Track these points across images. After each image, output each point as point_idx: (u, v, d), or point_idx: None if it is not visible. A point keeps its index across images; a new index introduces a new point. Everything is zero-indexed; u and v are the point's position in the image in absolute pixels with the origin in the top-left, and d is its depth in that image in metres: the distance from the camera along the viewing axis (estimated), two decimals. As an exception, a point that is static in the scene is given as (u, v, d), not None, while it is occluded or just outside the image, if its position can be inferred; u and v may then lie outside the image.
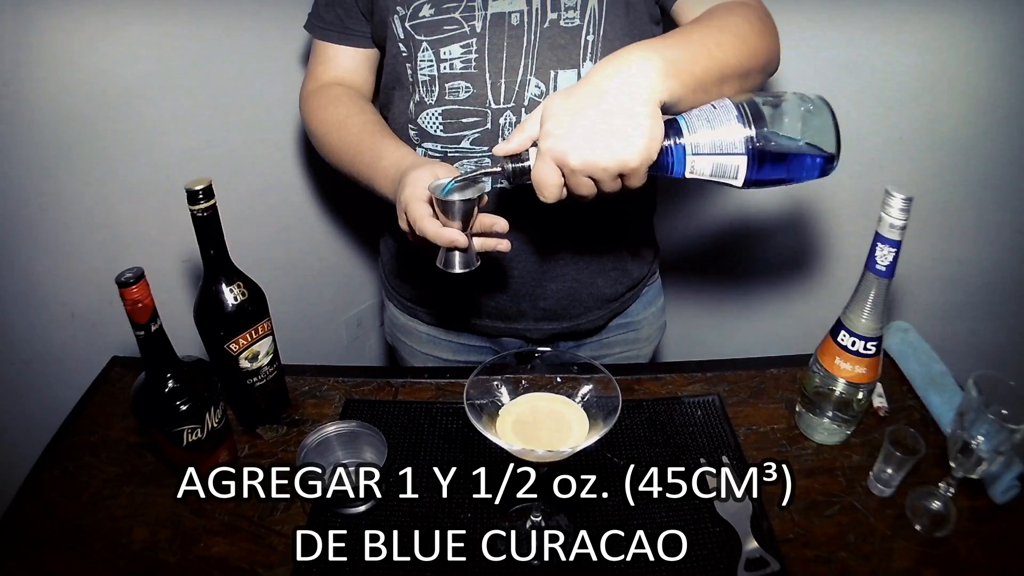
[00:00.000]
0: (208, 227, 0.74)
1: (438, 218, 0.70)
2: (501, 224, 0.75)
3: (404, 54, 0.86)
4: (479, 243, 0.75)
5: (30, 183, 1.19)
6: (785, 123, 0.66)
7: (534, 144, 0.67)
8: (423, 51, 0.84)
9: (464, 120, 0.85)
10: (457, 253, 0.72)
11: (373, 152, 0.84)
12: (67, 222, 1.24)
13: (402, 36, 0.85)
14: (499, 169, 0.69)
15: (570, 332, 1.01)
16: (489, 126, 0.85)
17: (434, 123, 0.87)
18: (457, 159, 0.87)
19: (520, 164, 0.68)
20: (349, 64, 0.96)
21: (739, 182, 0.65)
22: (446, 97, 0.85)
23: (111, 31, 1.12)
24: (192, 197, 0.71)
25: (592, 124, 0.61)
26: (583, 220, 0.91)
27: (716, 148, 0.63)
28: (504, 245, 0.77)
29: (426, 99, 0.86)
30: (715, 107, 0.65)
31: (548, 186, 0.65)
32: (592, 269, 0.96)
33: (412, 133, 0.89)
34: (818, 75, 1.24)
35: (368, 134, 0.87)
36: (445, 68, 0.84)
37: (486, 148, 0.86)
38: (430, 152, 0.89)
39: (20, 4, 1.06)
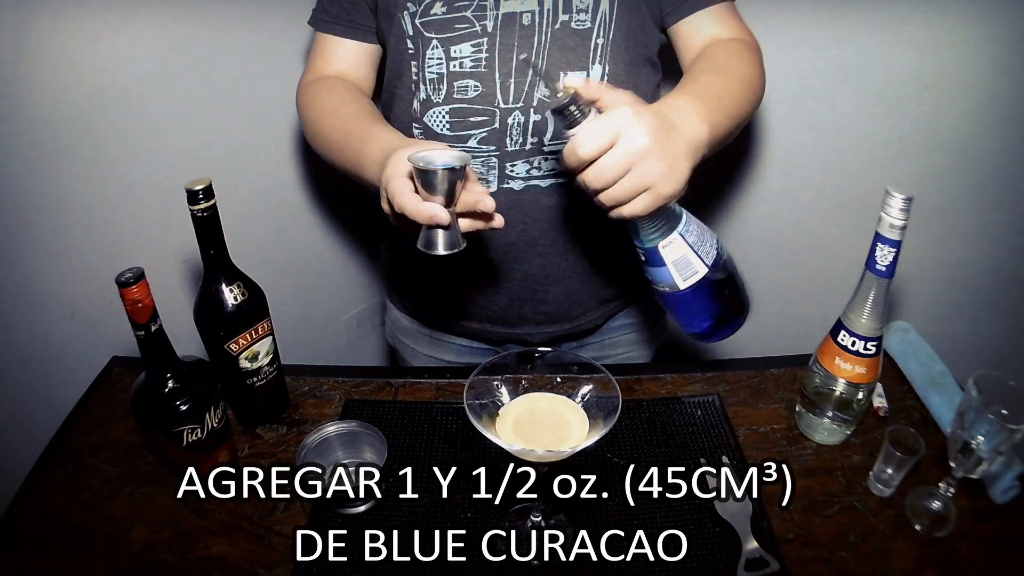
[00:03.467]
0: (208, 227, 0.74)
1: (419, 194, 0.67)
2: (486, 202, 0.68)
3: (411, 51, 0.85)
4: (466, 224, 0.70)
5: (30, 183, 1.19)
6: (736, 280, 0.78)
7: (594, 109, 0.65)
8: (432, 49, 0.83)
9: (472, 119, 0.85)
10: (440, 232, 0.67)
11: (361, 138, 0.81)
12: (67, 222, 1.24)
13: (411, 33, 0.84)
14: (559, 87, 0.64)
15: (570, 334, 1.01)
16: (497, 125, 0.84)
17: (440, 121, 0.86)
18: None
19: (580, 106, 0.64)
20: (350, 59, 0.95)
21: (685, 284, 0.73)
22: (454, 96, 0.84)
23: (111, 31, 1.12)
24: (192, 197, 0.71)
25: (661, 146, 0.64)
26: (585, 224, 0.91)
27: (695, 247, 0.72)
28: (498, 221, 0.71)
29: (433, 97, 0.85)
30: (704, 226, 0.75)
31: (586, 146, 0.62)
32: (594, 271, 0.96)
33: (416, 132, 0.89)
34: (818, 75, 1.24)
35: (360, 121, 0.84)
36: (454, 66, 0.83)
37: (493, 148, 0.85)
38: None
39: (20, 4, 1.06)
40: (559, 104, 0.64)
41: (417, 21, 0.83)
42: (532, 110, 0.83)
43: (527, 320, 0.98)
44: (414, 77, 0.86)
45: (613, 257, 0.96)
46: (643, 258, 0.74)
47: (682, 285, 0.73)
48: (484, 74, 0.83)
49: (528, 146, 0.85)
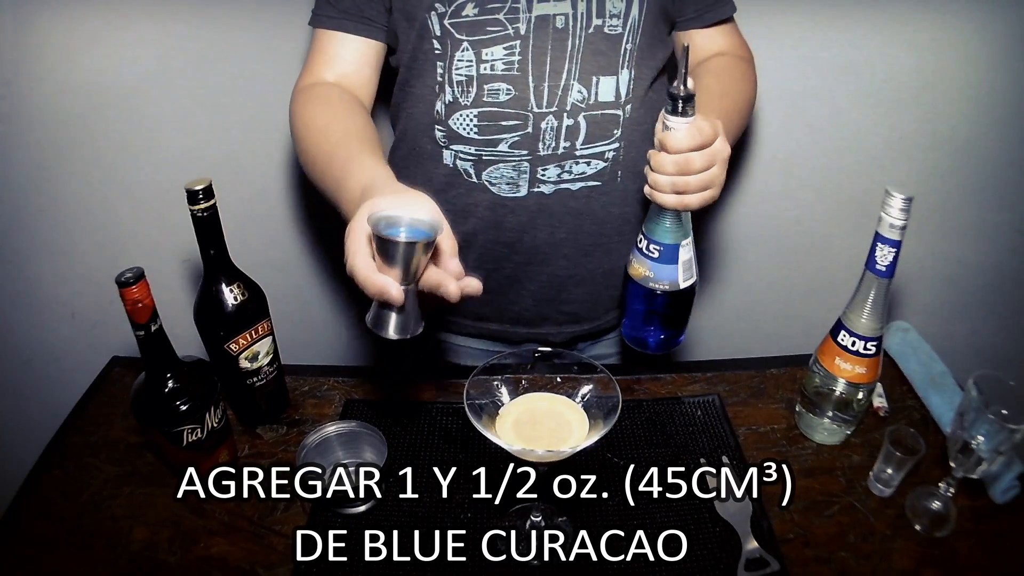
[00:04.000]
0: (208, 227, 0.74)
1: (375, 260, 0.58)
2: (449, 289, 0.59)
3: (438, 51, 0.83)
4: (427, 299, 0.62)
5: (30, 183, 1.19)
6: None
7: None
8: (463, 51, 0.81)
9: (503, 123, 0.83)
10: (392, 312, 0.58)
11: (344, 167, 0.73)
12: (67, 222, 1.24)
13: (438, 33, 0.82)
14: (688, 82, 0.70)
15: (589, 333, 1.02)
16: (530, 130, 0.83)
17: (468, 125, 0.84)
18: (493, 162, 0.85)
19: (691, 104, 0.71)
20: (356, 58, 0.89)
21: (684, 283, 0.81)
22: (484, 99, 0.83)
23: (111, 31, 1.12)
24: (192, 197, 0.71)
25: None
26: (609, 226, 0.92)
27: (694, 255, 0.82)
28: (473, 287, 0.62)
29: (461, 99, 0.83)
30: None
31: (700, 136, 0.71)
32: (615, 272, 0.95)
33: (439, 134, 0.86)
34: (818, 75, 1.24)
35: (345, 145, 0.77)
36: (485, 69, 0.82)
37: (525, 152, 0.84)
38: (461, 155, 0.86)
39: (20, 4, 1.06)
40: (683, 93, 0.70)
41: (446, 22, 0.81)
42: (566, 114, 0.83)
43: (549, 320, 0.98)
44: (439, 78, 0.84)
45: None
46: (656, 254, 0.79)
47: (682, 284, 0.80)
48: (517, 77, 0.81)
49: (560, 150, 0.84)
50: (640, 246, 0.82)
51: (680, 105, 0.70)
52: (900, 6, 1.19)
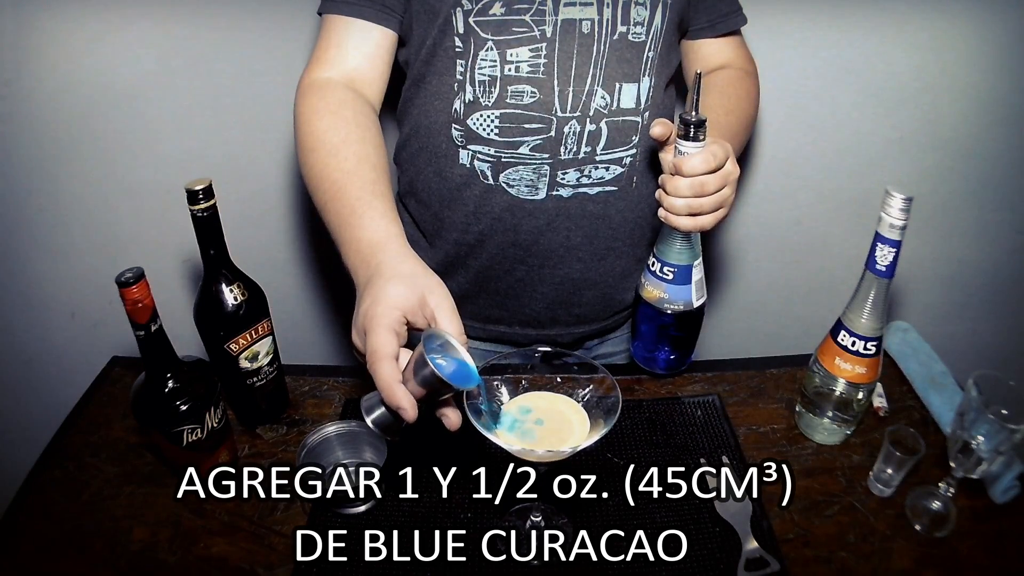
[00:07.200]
0: (208, 227, 0.74)
1: (402, 367, 0.59)
2: (451, 422, 0.63)
3: (459, 49, 0.81)
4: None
5: (30, 183, 1.19)
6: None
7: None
8: (487, 50, 0.80)
9: (526, 126, 0.83)
10: (391, 415, 0.59)
11: (354, 212, 0.73)
12: (67, 222, 1.24)
13: (461, 31, 0.80)
14: (697, 111, 0.74)
15: (597, 332, 1.02)
16: (553, 134, 0.83)
17: (489, 126, 0.83)
18: (512, 164, 0.84)
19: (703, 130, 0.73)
20: (370, 49, 0.86)
21: (698, 302, 0.85)
22: (507, 100, 0.82)
23: (111, 31, 1.12)
24: (192, 197, 0.71)
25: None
26: (623, 230, 0.92)
27: (704, 277, 0.86)
28: (452, 425, 0.64)
29: (482, 99, 0.83)
30: None
31: (713, 160, 0.74)
32: (626, 275, 0.96)
33: (456, 133, 0.85)
34: (818, 75, 1.24)
35: (357, 184, 0.75)
36: (510, 70, 0.81)
37: (547, 156, 0.84)
38: (479, 156, 0.85)
39: (20, 4, 1.06)
40: (696, 119, 0.73)
41: (471, 20, 0.80)
42: (588, 119, 0.82)
43: (559, 322, 0.98)
44: (459, 77, 0.83)
45: (645, 261, 0.96)
46: (670, 276, 0.83)
47: (696, 303, 0.85)
48: (542, 80, 0.81)
49: (581, 155, 0.84)
50: (653, 269, 0.84)
51: (693, 131, 0.73)
52: (900, 6, 1.19)
